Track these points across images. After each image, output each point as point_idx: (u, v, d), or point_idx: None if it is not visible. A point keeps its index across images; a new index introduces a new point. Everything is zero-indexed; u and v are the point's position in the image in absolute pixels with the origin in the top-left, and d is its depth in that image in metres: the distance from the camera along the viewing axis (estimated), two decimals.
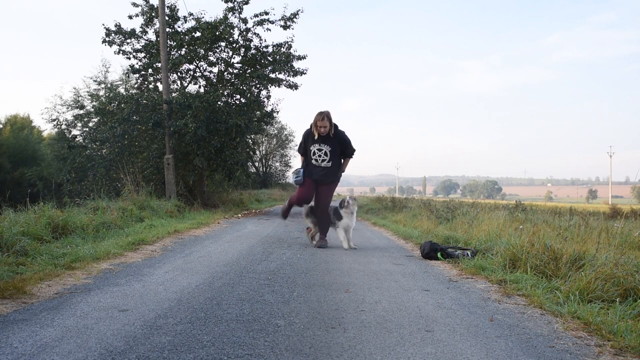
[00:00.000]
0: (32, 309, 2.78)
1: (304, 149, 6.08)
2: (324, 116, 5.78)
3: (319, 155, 5.88)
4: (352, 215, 5.97)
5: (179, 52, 14.52)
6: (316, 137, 5.85)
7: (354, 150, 6.09)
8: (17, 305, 2.85)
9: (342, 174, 6.21)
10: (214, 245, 5.87)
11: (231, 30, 14.18)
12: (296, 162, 41.27)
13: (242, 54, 15.00)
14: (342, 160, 6.10)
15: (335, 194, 6.47)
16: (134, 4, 14.25)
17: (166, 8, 13.35)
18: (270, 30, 15.90)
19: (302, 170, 6.05)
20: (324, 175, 5.95)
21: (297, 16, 14.67)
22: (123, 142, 13.68)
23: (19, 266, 3.88)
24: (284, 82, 15.15)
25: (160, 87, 14.00)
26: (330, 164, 5.91)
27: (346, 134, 5.98)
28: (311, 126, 5.91)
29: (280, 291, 3.42)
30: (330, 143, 5.88)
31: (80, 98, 23.03)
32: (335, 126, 5.89)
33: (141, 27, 14.49)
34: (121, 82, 22.40)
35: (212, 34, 13.90)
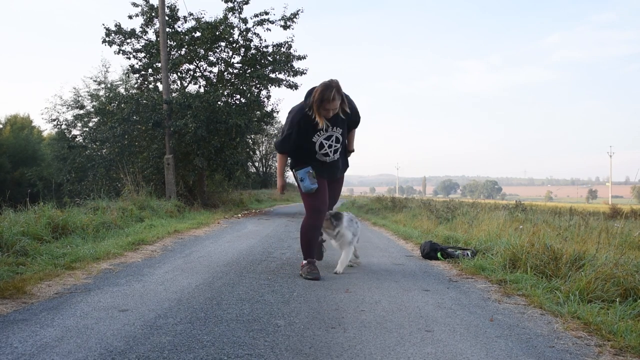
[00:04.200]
0: (32, 309, 2.78)
1: (295, 144, 3.96)
2: (334, 93, 3.68)
3: (329, 146, 3.97)
4: None
5: (179, 52, 14.54)
6: (321, 124, 3.83)
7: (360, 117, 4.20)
8: (17, 305, 2.85)
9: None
10: (214, 245, 5.87)
11: (231, 30, 14.19)
12: None
13: (242, 54, 15.02)
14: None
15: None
16: (134, 4, 14.27)
17: (166, 8, 13.36)
18: (270, 30, 15.93)
19: (309, 168, 3.98)
20: (336, 169, 4.16)
21: (297, 16, 14.70)
22: (123, 142, 13.69)
23: (19, 266, 3.88)
24: (284, 82, 15.17)
25: (160, 87, 14.01)
26: (341, 152, 4.13)
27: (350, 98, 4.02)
28: (308, 108, 3.82)
29: (280, 291, 3.42)
30: (341, 123, 3.97)
31: (80, 98, 23.08)
32: (344, 96, 3.86)
33: (141, 27, 14.51)
34: (121, 82, 22.46)
35: (212, 34, 13.91)
